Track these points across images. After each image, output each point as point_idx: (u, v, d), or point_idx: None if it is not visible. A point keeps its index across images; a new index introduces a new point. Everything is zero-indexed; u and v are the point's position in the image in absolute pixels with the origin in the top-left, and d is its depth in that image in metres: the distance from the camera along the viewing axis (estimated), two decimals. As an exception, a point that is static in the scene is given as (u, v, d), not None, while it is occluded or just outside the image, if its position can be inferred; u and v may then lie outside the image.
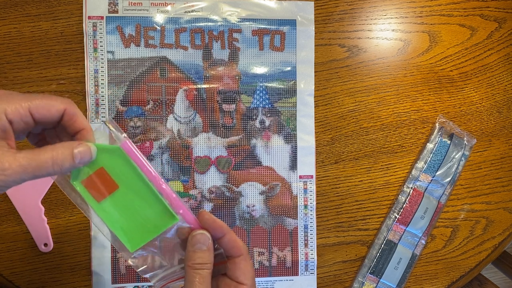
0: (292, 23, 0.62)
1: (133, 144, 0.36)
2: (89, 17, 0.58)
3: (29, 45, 0.58)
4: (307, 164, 0.62)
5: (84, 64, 0.59)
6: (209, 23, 0.60)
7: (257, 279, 0.62)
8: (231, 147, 0.61)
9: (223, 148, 0.61)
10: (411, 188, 0.63)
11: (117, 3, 0.59)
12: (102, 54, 0.59)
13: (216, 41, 0.61)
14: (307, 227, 0.62)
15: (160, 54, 0.60)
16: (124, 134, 0.36)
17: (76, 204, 0.37)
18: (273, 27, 0.61)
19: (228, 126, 0.61)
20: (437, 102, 0.65)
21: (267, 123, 0.62)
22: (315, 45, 0.62)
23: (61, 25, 0.59)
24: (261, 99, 0.61)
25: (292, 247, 0.62)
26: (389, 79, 0.64)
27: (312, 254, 0.62)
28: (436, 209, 0.63)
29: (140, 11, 0.59)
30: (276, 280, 0.62)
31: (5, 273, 0.58)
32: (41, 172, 0.31)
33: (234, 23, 0.61)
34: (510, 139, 0.66)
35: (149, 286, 0.60)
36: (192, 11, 0.60)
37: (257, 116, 0.61)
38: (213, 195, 0.61)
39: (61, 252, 0.59)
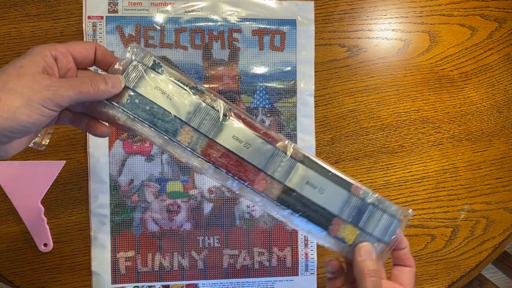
0: (292, 23, 0.62)
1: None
2: (89, 17, 0.58)
3: (29, 45, 0.58)
4: (307, 164, 0.62)
5: (84, 64, 0.59)
6: (209, 23, 0.60)
7: (257, 279, 0.62)
8: (231, 147, 0.61)
9: (223, 148, 0.61)
10: None
11: (117, 3, 0.59)
12: (102, 54, 0.59)
13: (216, 41, 0.61)
14: (307, 227, 0.62)
15: (160, 54, 0.60)
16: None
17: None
18: (273, 27, 0.61)
19: (228, 126, 0.61)
20: (437, 102, 0.65)
21: (267, 123, 0.61)
22: (315, 45, 0.62)
23: (61, 25, 0.59)
24: (261, 99, 0.61)
25: (292, 247, 0.62)
26: (389, 79, 0.64)
27: (312, 254, 0.62)
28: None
29: (140, 11, 0.59)
30: (276, 280, 0.62)
31: (5, 273, 0.58)
32: (83, 89, 0.36)
33: (234, 23, 0.61)
34: (510, 139, 0.66)
35: (149, 286, 0.60)
36: (192, 11, 0.60)
37: (257, 116, 0.61)
38: (213, 195, 0.61)
39: (61, 252, 0.59)
